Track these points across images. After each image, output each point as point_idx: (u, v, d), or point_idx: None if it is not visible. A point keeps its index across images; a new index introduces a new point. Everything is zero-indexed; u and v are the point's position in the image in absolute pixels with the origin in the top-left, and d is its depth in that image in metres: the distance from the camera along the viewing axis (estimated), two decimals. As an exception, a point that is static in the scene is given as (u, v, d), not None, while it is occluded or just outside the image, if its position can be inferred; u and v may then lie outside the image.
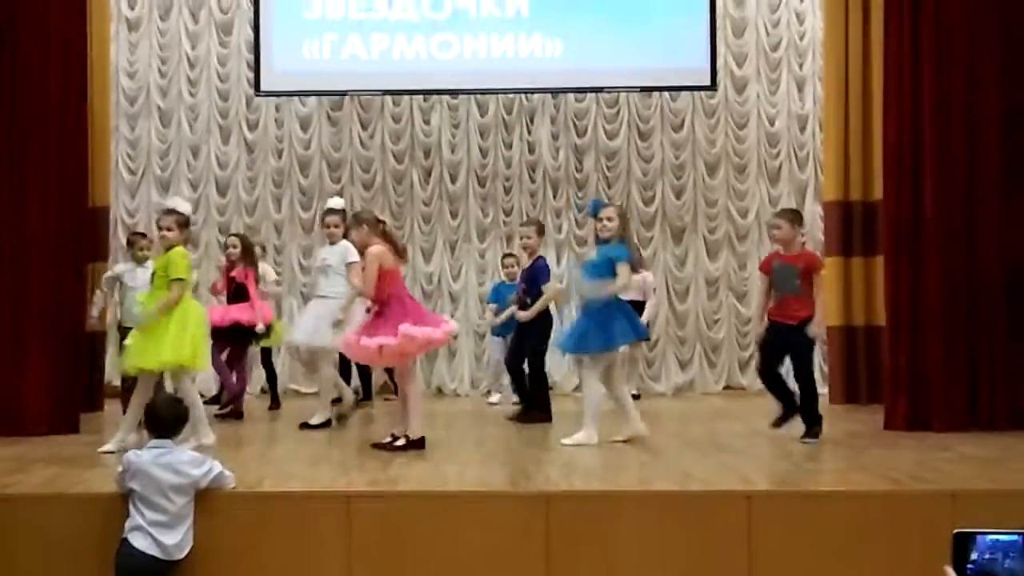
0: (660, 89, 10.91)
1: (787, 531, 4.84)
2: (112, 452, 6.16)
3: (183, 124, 11.10)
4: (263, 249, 9.86)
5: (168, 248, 6.47)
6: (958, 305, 7.31)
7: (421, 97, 11.07)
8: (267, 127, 11.13)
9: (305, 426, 7.65)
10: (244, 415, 8.33)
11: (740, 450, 6.46)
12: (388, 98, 11.06)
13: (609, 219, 6.80)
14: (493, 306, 9.68)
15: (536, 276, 8.09)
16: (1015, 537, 1.84)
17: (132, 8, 11.07)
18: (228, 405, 8.43)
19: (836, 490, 5.26)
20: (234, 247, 8.66)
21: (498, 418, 8.32)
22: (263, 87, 10.67)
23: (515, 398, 8.86)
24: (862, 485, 5.29)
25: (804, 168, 11.00)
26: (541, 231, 8.44)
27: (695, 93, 10.95)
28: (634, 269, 6.96)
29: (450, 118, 11.16)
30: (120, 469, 4.82)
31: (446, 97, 11.07)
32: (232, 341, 8.38)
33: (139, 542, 4.65)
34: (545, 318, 8.11)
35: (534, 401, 8.08)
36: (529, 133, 11.14)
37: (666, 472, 5.73)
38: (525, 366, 8.16)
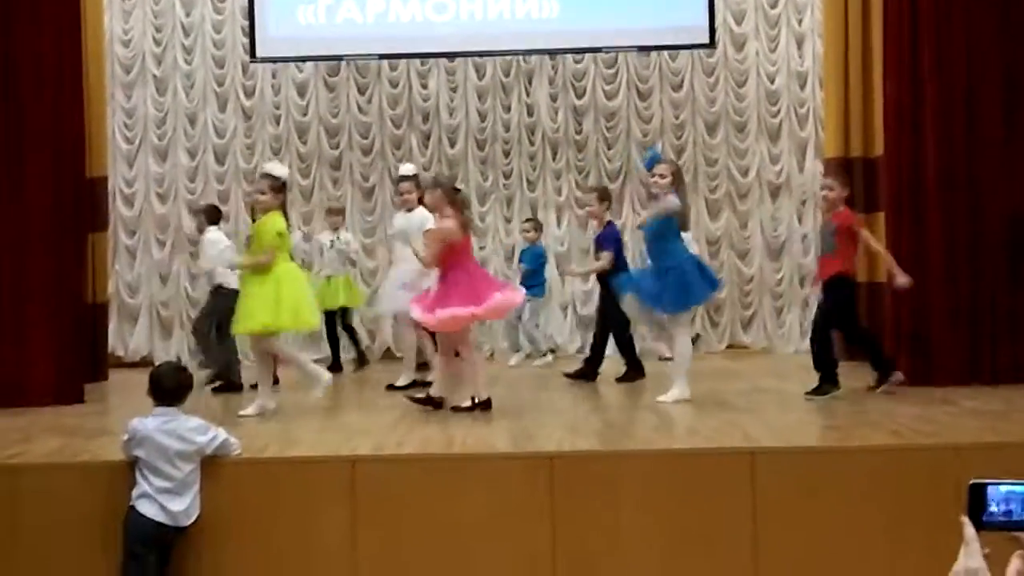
0: (659, 48, 10.82)
1: (790, 487, 4.86)
2: (251, 416, 6.42)
3: (179, 92, 11.03)
4: (343, 215, 9.86)
5: (264, 211, 6.59)
6: (959, 260, 7.31)
7: (418, 61, 11.00)
8: (264, 94, 11.07)
9: (392, 388, 7.75)
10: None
11: (743, 408, 6.49)
12: (385, 62, 10.99)
13: (662, 176, 6.80)
14: (522, 266, 9.87)
15: (606, 242, 8.07)
16: None
17: (125, -24, 10.99)
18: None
19: (839, 446, 5.28)
20: None
21: (503, 379, 8.33)
22: (259, 53, 10.59)
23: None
24: (865, 440, 5.31)
25: (804, 125, 10.95)
26: (603, 197, 8.36)
27: (694, 52, 10.87)
28: (682, 227, 7.02)
29: (448, 81, 11.09)
30: (125, 437, 4.84)
31: (443, 60, 10.99)
32: None
33: (147, 509, 4.69)
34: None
35: (638, 364, 8.14)
36: (528, 95, 11.07)
37: (670, 431, 5.75)
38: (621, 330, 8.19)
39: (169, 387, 4.93)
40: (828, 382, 6.76)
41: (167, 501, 4.71)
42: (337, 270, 9.57)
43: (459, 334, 6.50)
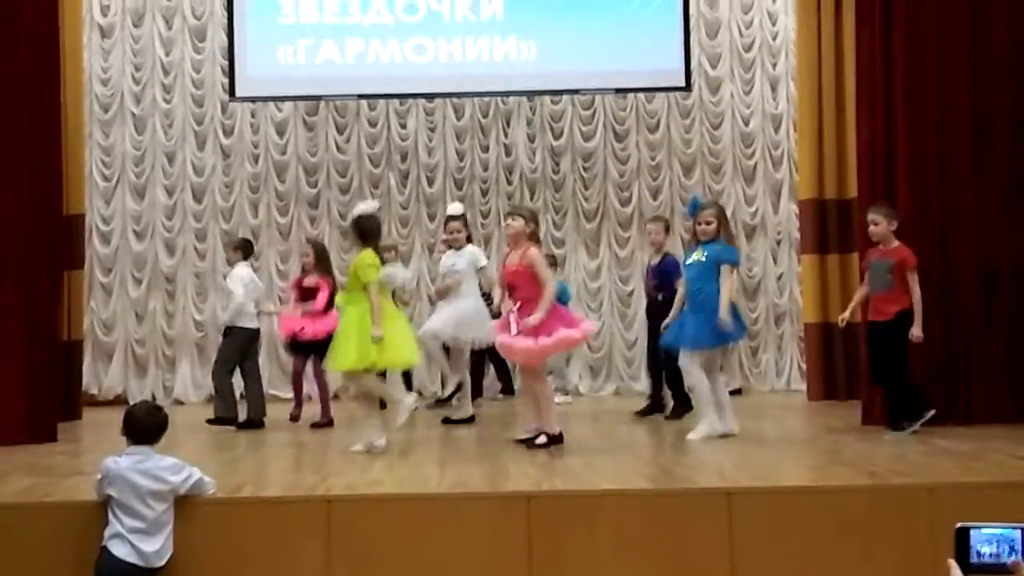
0: (635, 90, 10.94)
1: (767, 527, 4.86)
2: (361, 452, 6.38)
3: (158, 130, 11.05)
4: (396, 251, 9.91)
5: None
6: (932, 301, 7.36)
7: (397, 101, 11.07)
8: (243, 132, 11.10)
9: (448, 421, 7.91)
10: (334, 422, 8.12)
11: (719, 447, 6.49)
12: (364, 102, 11.05)
13: (708, 223, 6.88)
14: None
15: (668, 273, 8.13)
16: (1016, 531, 1.86)
17: (105, 15, 11.02)
18: (325, 418, 8.16)
19: (815, 485, 5.28)
20: (307, 255, 8.30)
21: (478, 416, 8.31)
22: (238, 92, 10.63)
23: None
24: (841, 480, 5.32)
25: (779, 167, 11.07)
26: (668, 228, 8.55)
27: (670, 94, 11.00)
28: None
29: (426, 121, 11.16)
30: (98, 476, 4.79)
31: (422, 100, 11.07)
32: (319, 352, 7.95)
33: (119, 550, 4.62)
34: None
35: (661, 400, 8.31)
36: (505, 135, 11.15)
37: (645, 470, 5.74)
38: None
39: (144, 426, 4.88)
40: (923, 407, 6.81)
41: (139, 541, 4.65)
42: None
43: (539, 366, 6.61)
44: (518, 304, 6.45)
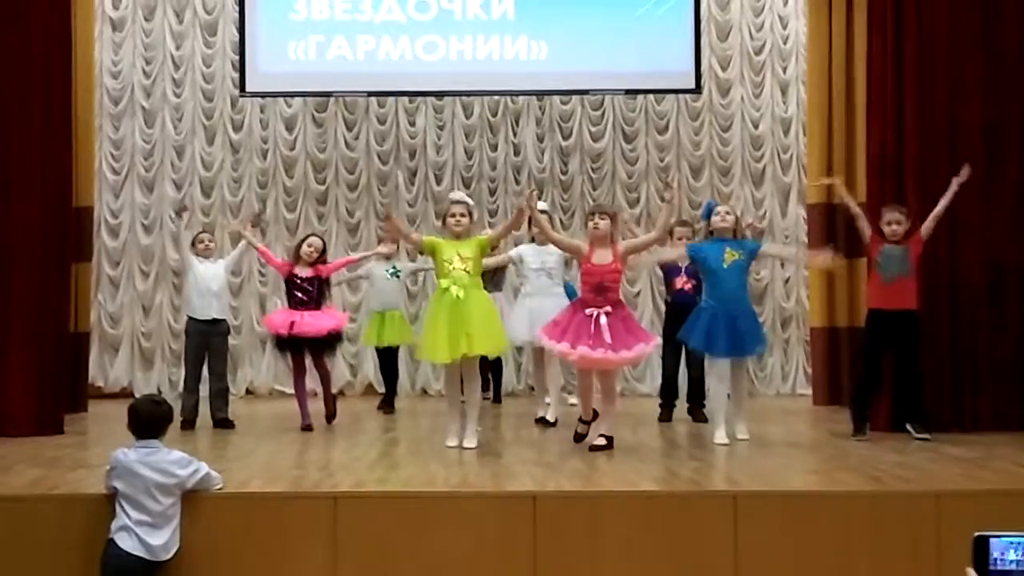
0: (645, 92, 10.93)
1: (772, 531, 4.87)
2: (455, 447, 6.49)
3: (167, 124, 11.06)
4: (396, 244, 9.90)
5: (467, 234, 6.73)
6: (941, 308, 7.38)
7: (406, 98, 11.08)
8: (252, 128, 11.10)
9: (541, 421, 7.92)
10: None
11: (725, 450, 6.49)
12: (373, 99, 11.06)
13: (728, 213, 6.96)
14: None
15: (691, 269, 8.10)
16: None
17: (116, 8, 11.03)
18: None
19: (821, 490, 5.29)
20: (315, 248, 7.93)
21: (489, 415, 8.32)
22: (248, 88, 10.64)
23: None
24: (846, 485, 5.32)
25: (788, 171, 11.05)
26: (695, 231, 8.38)
27: (679, 96, 10.99)
28: None
29: (435, 119, 11.16)
30: (107, 467, 4.82)
31: (431, 98, 11.08)
32: (325, 349, 7.95)
33: (125, 543, 4.64)
34: None
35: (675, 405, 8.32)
36: (514, 135, 11.15)
37: (651, 472, 5.75)
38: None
39: (146, 420, 4.90)
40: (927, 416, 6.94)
41: (146, 535, 4.67)
42: (396, 304, 9.31)
43: (614, 372, 6.70)
44: (607, 308, 6.29)
